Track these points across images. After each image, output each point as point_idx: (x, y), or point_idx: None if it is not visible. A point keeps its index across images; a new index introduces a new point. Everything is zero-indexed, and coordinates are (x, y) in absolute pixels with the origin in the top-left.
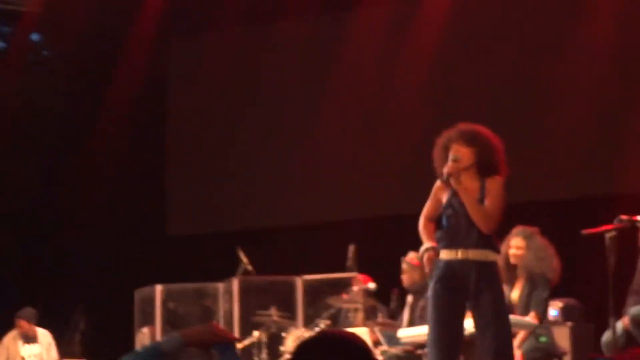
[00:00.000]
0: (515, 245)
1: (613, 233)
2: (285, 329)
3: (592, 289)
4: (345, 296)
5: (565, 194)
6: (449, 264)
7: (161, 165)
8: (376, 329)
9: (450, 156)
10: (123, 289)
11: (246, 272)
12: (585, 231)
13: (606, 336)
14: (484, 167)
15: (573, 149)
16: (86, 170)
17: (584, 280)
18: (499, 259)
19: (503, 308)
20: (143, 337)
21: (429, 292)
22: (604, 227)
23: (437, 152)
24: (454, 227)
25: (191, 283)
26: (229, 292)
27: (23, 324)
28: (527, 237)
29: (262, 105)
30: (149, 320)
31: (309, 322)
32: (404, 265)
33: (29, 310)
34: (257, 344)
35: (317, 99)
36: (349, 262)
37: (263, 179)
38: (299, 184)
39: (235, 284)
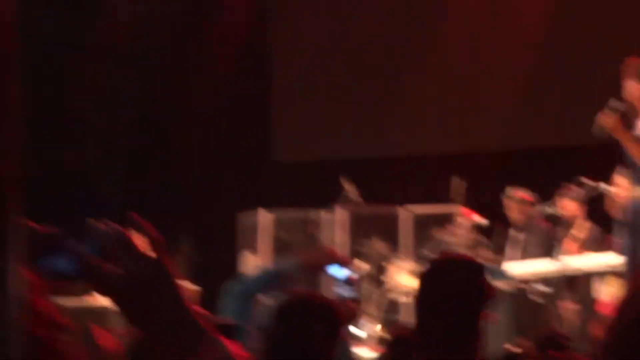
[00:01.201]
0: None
1: None
2: (387, 260)
3: None
4: (449, 229)
5: None
6: None
7: (268, 90)
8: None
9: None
10: (227, 214)
11: (351, 201)
12: None
13: None
14: None
15: None
16: (191, 94)
17: None
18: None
19: None
20: (246, 261)
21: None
22: None
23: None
24: None
25: (295, 209)
26: (332, 221)
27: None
28: None
29: (374, 33)
30: (251, 245)
31: (412, 254)
32: (508, 200)
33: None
34: (360, 274)
35: (431, 27)
36: (455, 195)
37: (372, 107)
38: (408, 114)
39: (339, 212)
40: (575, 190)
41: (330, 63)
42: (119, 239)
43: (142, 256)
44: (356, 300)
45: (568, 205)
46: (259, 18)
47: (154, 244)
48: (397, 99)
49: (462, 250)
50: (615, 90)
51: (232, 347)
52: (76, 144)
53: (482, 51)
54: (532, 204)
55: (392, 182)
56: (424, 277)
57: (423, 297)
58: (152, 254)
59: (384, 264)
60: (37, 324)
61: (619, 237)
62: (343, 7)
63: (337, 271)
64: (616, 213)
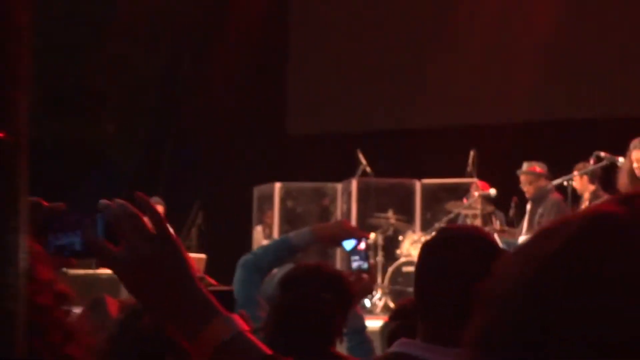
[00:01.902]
0: (636, 158)
1: None
2: (402, 232)
3: None
4: (464, 201)
5: None
6: None
7: (283, 63)
8: (495, 236)
9: None
10: (242, 186)
11: (365, 174)
12: None
13: None
14: None
15: None
16: (208, 70)
17: None
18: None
19: None
20: (258, 235)
21: None
22: None
23: None
24: None
25: (310, 182)
26: (347, 193)
27: (160, 209)
28: None
29: (392, 5)
30: (266, 218)
31: (426, 226)
32: (523, 174)
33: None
34: (374, 246)
35: (446, 3)
36: (469, 168)
37: (385, 80)
38: (421, 87)
39: (353, 184)
40: (587, 164)
41: (346, 36)
42: (129, 217)
43: (153, 234)
44: (370, 272)
45: (580, 180)
46: None
47: (159, 223)
48: (414, 71)
49: (477, 223)
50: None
51: (242, 323)
52: (93, 119)
53: (502, 23)
54: (547, 177)
55: (407, 154)
56: (426, 248)
57: (424, 268)
58: (163, 233)
59: (398, 236)
60: (38, 291)
61: None
62: None
63: (350, 243)
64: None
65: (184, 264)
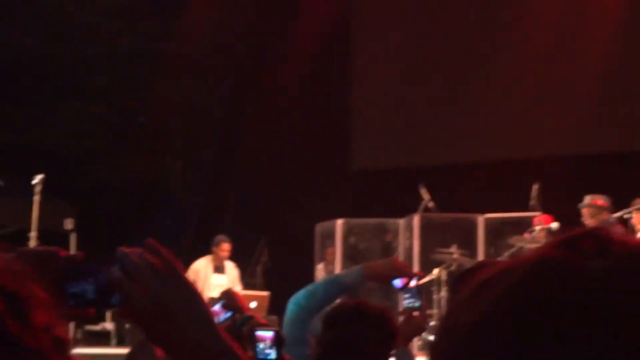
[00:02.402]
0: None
1: None
2: (465, 267)
3: None
4: (527, 235)
5: None
6: None
7: (346, 97)
8: None
9: None
10: (305, 223)
11: (428, 209)
12: None
13: None
14: None
15: None
16: (270, 105)
17: None
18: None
19: None
20: (319, 272)
21: None
22: None
23: None
24: None
25: (372, 218)
26: (409, 228)
27: (227, 247)
28: None
29: (450, 40)
30: (328, 254)
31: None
32: (584, 207)
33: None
34: (437, 282)
35: (506, 32)
36: (533, 201)
37: (448, 114)
38: (483, 121)
39: (416, 220)
40: None
41: (408, 68)
42: (145, 264)
43: (167, 278)
44: (422, 311)
45: (637, 214)
46: (338, 26)
47: (171, 268)
48: (476, 104)
49: None
50: None
51: None
52: (156, 157)
53: (558, 56)
54: (610, 210)
55: (470, 189)
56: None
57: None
58: (176, 277)
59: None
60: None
61: None
62: (422, 16)
63: (400, 282)
64: None
65: (199, 307)
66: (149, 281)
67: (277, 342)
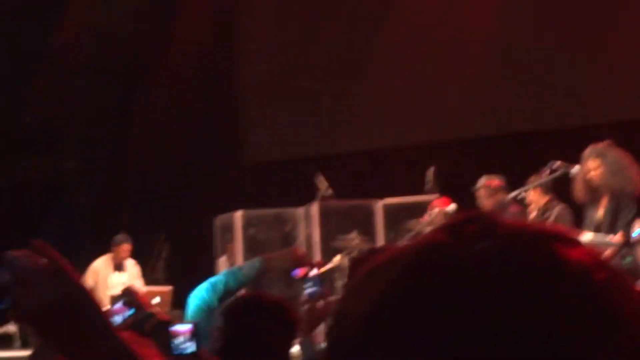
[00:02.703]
0: (590, 167)
1: None
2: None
3: None
4: (425, 219)
5: None
6: None
7: (235, 93)
8: None
9: None
10: (203, 217)
11: (326, 197)
12: None
13: None
14: None
15: None
16: (162, 101)
17: None
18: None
19: None
20: (222, 265)
21: None
22: None
23: None
24: None
25: (270, 209)
26: (308, 217)
27: (127, 248)
28: (599, 155)
29: (337, 29)
30: (227, 246)
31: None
32: (479, 189)
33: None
34: (339, 269)
35: (391, 19)
36: (429, 185)
37: (340, 102)
38: (377, 107)
39: (315, 208)
40: (540, 175)
41: (297, 58)
42: (37, 267)
43: (59, 279)
44: (325, 298)
45: (533, 191)
46: (223, 20)
47: (60, 268)
48: (367, 92)
49: None
50: (581, 72)
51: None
52: (47, 157)
53: (445, 39)
54: (505, 190)
55: (365, 175)
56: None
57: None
58: (65, 277)
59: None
60: None
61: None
62: (310, 3)
63: (299, 271)
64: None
65: (91, 306)
66: (37, 283)
67: (196, 335)
